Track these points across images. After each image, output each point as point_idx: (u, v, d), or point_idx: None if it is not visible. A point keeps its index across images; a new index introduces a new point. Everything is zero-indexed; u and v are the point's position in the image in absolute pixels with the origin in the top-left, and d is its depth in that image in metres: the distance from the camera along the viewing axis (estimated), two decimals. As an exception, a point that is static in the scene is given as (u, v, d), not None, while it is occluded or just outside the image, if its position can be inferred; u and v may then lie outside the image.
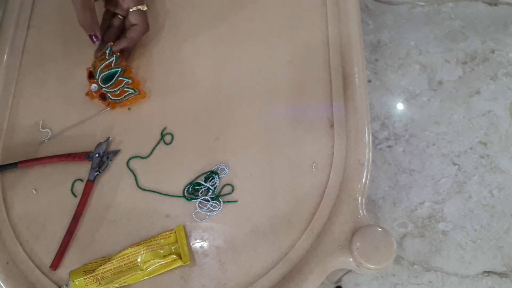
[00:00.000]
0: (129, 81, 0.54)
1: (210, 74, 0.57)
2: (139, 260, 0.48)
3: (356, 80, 0.55)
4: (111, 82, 0.53)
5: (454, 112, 1.14)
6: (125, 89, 0.54)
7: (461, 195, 1.06)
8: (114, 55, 0.54)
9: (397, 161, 1.10)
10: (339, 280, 0.99)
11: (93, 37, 0.53)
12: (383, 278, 1.01)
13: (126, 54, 0.57)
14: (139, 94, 0.54)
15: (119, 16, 0.56)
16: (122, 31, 0.56)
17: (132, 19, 0.53)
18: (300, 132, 0.54)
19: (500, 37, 1.21)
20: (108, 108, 0.55)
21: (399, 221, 1.05)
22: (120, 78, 0.54)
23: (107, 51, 0.53)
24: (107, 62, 0.53)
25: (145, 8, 0.54)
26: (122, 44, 0.54)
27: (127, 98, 0.54)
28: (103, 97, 0.54)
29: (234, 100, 0.56)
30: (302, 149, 0.53)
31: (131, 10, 0.53)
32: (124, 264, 0.47)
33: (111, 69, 0.53)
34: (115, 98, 0.54)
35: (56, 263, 0.48)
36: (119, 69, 0.54)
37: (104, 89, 0.53)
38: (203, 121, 0.55)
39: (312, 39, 0.59)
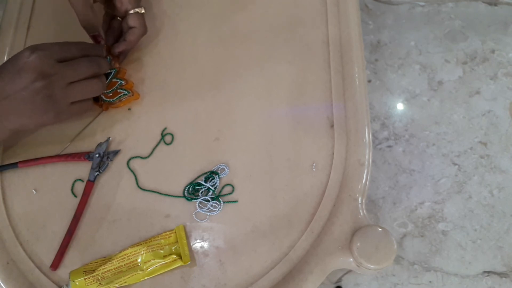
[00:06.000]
0: (123, 82, 0.54)
1: (210, 74, 0.57)
2: (139, 260, 0.48)
3: (356, 80, 0.55)
4: None
5: (454, 112, 1.14)
6: (118, 90, 0.54)
7: (461, 195, 1.07)
8: (108, 57, 0.54)
9: (397, 161, 1.10)
10: (339, 280, 0.99)
11: (97, 37, 0.53)
12: (383, 278, 1.01)
13: (121, 56, 0.57)
14: (132, 95, 0.55)
15: (118, 18, 0.56)
16: (121, 33, 0.56)
17: (130, 21, 0.53)
18: (300, 132, 0.54)
19: (500, 37, 1.21)
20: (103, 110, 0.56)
21: (399, 221, 1.05)
22: (113, 80, 0.54)
23: None
24: None
25: (143, 11, 0.54)
26: (121, 47, 0.54)
27: (120, 99, 0.54)
28: (95, 98, 0.54)
29: (234, 100, 0.56)
30: (302, 149, 0.53)
31: (129, 12, 0.53)
32: (124, 264, 0.47)
33: None
34: (108, 100, 0.54)
35: (56, 263, 0.48)
36: (113, 70, 0.54)
37: None
38: (203, 121, 0.55)
39: (312, 39, 0.59)
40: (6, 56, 0.58)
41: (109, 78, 0.53)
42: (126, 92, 0.54)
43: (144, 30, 0.55)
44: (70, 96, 0.46)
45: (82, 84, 0.47)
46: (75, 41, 0.48)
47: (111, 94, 0.54)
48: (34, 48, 0.44)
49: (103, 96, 0.54)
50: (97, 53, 0.49)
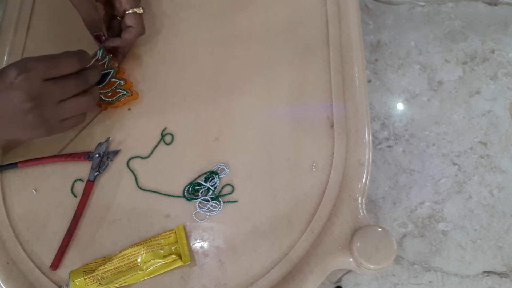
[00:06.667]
0: (122, 82, 0.54)
1: (210, 74, 0.57)
2: (139, 260, 0.48)
3: (356, 80, 0.55)
4: (104, 83, 0.53)
5: (454, 112, 1.14)
6: (117, 90, 0.54)
7: (461, 195, 1.06)
8: (107, 57, 0.54)
9: (397, 161, 1.10)
10: (339, 280, 0.99)
11: (100, 37, 0.53)
12: (383, 278, 1.01)
13: (120, 56, 0.57)
14: (131, 95, 0.55)
15: (118, 18, 0.56)
16: (121, 32, 0.56)
17: (128, 21, 0.53)
18: (300, 132, 0.54)
19: (500, 37, 1.21)
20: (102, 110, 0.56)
21: (399, 221, 1.05)
22: (112, 80, 0.54)
23: (100, 53, 0.53)
24: (100, 63, 0.53)
25: (141, 11, 0.54)
26: (115, 42, 0.54)
27: (119, 99, 0.54)
28: None
29: (234, 100, 0.56)
30: (302, 149, 0.53)
31: (127, 12, 0.53)
32: (124, 264, 0.47)
33: (104, 70, 0.53)
34: (107, 99, 0.54)
35: (56, 263, 0.48)
36: (112, 70, 0.54)
37: None
38: (203, 121, 0.55)
39: (312, 39, 0.59)
40: (6, 56, 0.58)
41: (108, 77, 0.53)
42: (125, 92, 0.54)
43: (142, 30, 0.55)
44: (60, 113, 0.46)
45: (72, 102, 0.47)
46: (75, 39, 0.48)
47: (110, 94, 0.54)
48: (21, 68, 0.43)
49: (102, 96, 0.54)
50: (83, 63, 0.48)
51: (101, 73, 0.52)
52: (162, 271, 0.47)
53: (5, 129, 0.45)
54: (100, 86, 0.53)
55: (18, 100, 0.43)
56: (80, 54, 0.47)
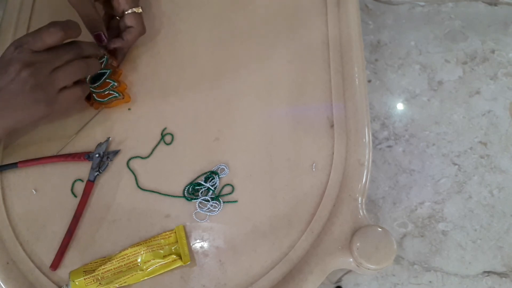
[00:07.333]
0: (115, 84, 0.54)
1: (210, 74, 0.57)
2: (139, 260, 0.48)
3: (356, 80, 0.55)
4: (98, 82, 0.53)
5: (454, 112, 1.14)
6: (110, 92, 0.54)
7: (461, 195, 1.06)
8: (105, 56, 0.54)
9: (397, 161, 1.10)
10: (339, 280, 0.99)
11: (100, 36, 0.53)
12: (383, 278, 1.01)
13: (120, 56, 0.57)
14: (123, 98, 0.54)
15: (117, 18, 0.56)
16: (120, 32, 0.56)
17: (128, 21, 0.53)
18: (300, 132, 0.54)
19: (500, 37, 1.21)
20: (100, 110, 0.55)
21: (399, 221, 1.05)
22: (107, 80, 0.54)
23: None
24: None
25: (140, 11, 0.54)
26: (117, 43, 0.54)
27: (110, 100, 0.54)
28: (87, 96, 0.54)
29: (234, 100, 0.56)
30: (302, 149, 0.53)
31: (126, 12, 0.53)
32: (124, 264, 0.47)
33: (101, 69, 0.53)
34: (100, 99, 0.54)
35: (56, 263, 0.48)
36: (108, 71, 0.54)
37: (91, 89, 0.53)
38: (203, 121, 0.55)
39: (312, 39, 0.59)
40: (6, 56, 0.58)
41: (103, 78, 0.53)
42: (116, 94, 0.54)
43: (142, 30, 0.55)
44: (56, 81, 0.47)
45: (66, 67, 0.48)
46: (49, 23, 0.47)
47: (103, 94, 0.54)
48: (16, 44, 0.46)
49: (94, 95, 0.54)
50: (69, 32, 0.47)
51: (99, 47, 0.52)
52: (162, 271, 0.47)
53: (6, 109, 0.46)
54: (95, 85, 0.53)
55: (15, 72, 0.45)
56: (64, 23, 0.47)
